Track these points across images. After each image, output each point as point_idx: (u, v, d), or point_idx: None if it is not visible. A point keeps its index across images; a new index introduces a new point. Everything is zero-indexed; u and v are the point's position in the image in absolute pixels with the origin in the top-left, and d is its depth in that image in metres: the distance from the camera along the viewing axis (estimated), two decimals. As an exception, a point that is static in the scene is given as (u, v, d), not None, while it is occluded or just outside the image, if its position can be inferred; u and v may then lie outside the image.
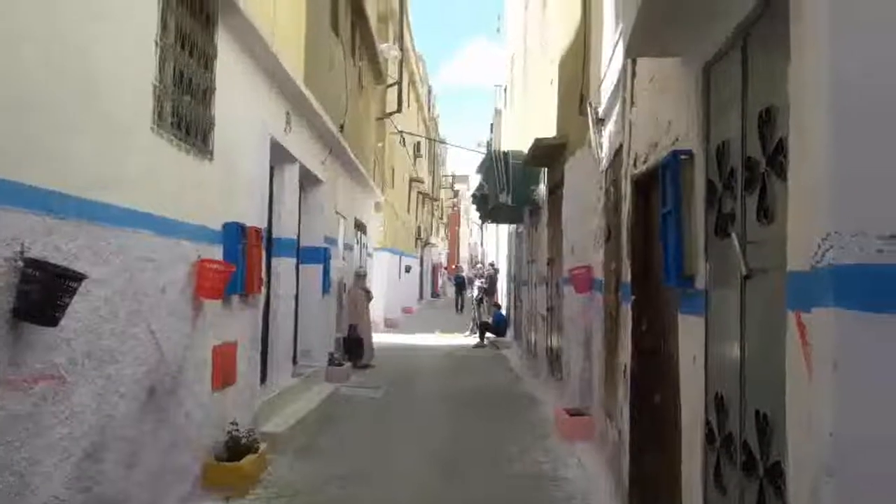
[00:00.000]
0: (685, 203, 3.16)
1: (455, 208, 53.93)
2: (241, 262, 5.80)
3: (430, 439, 7.24)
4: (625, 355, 4.63)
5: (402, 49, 18.74)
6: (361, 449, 6.82)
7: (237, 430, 5.65)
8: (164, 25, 4.46)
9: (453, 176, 47.97)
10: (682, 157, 3.17)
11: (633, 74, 4.52)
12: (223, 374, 5.66)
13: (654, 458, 4.30)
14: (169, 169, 4.57)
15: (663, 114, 3.68)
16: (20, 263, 2.86)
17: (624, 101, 4.82)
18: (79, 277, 2.99)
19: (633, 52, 3.43)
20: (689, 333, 3.22)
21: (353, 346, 11.94)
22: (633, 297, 4.50)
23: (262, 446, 5.89)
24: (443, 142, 37.42)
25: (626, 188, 4.72)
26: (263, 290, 7.49)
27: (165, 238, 4.50)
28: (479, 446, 6.93)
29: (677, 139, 3.37)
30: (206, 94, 5.21)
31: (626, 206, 4.79)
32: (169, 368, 4.63)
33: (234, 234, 5.70)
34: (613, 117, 5.67)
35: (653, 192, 4.15)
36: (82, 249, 3.44)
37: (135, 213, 4.03)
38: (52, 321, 2.94)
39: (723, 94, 2.82)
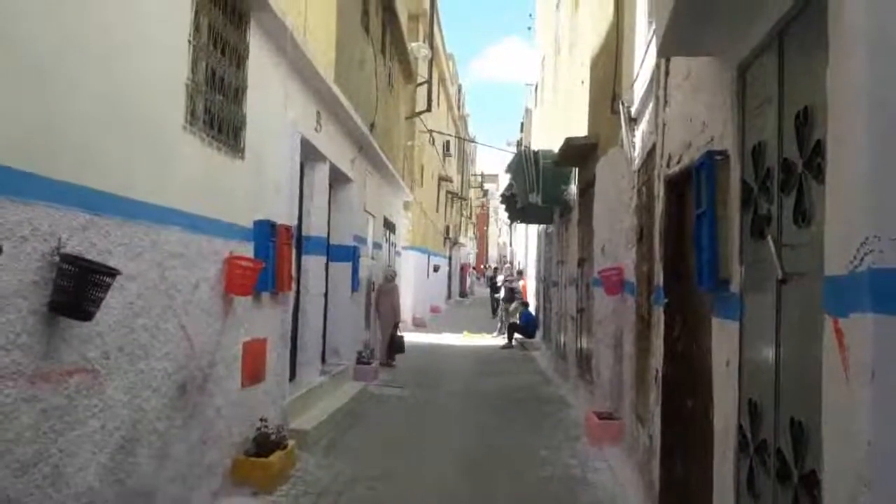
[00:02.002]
0: (720, 204, 3.10)
1: (484, 208, 53.86)
2: (271, 259, 5.85)
3: (457, 439, 7.24)
4: (656, 359, 4.57)
5: (431, 48, 18.75)
6: (389, 448, 6.84)
7: (266, 426, 5.70)
8: (196, 25, 4.51)
9: (482, 175, 47.90)
10: (717, 157, 3.11)
11: (667, 73, 4.46)
12: (253, 370, 5.71)
13: (685, 463, 4.24)
14: (200, 167, 4.62)
15: (697, 114, 3.62)
16: (56, 258, 2.91)
17: (657, 101, 4.75)
18: (112, 273, 3.04)
19: (667, 51, 3.38)
20: (723, 338, 3.16)
21: (398, 345, 12.01)
22: (665, 300, 4.43)
23: (291, 443, 5.93)
24: (472, 140, 37.41)
25: (659, 189, 4.66)
26: (293, 287, 7.58)
27: (197, 235, 4.55)
28: (507, 448, 6.91)
29: (712, 139, 3.31)
30: (237, 93, 5.26)
31: (658, 207, 4.73)
32: (200, 364, 4.68)
33: (265, 232, 5.75)
34: (646, 117, 5.60)
35: (686, 193, 4.08)
36: (116, 245, 3.49)
37: (166, 210, 4.08)
38: (87, 315, 2.99)
39: (759, 94, 2.76)
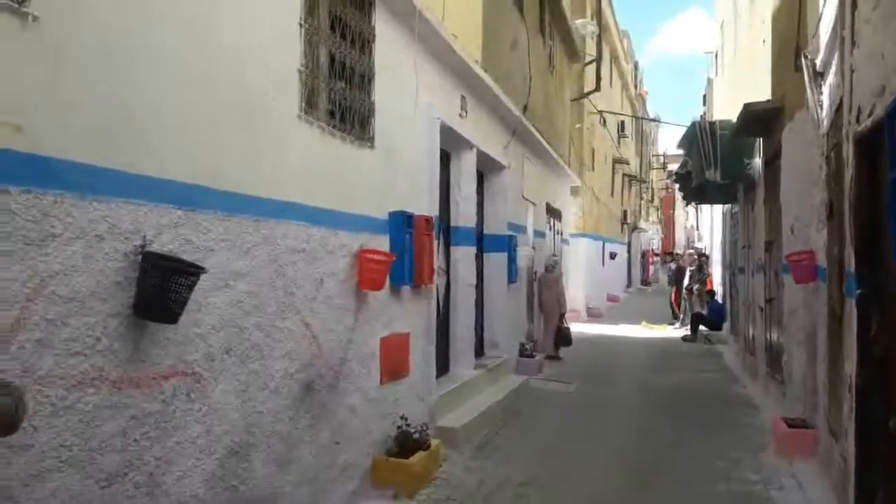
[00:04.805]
0: (922, 163, 2.29)
1: (668, 190, 50.96)
2: (408, 251, 5.60)
3: (623, 445, 6.58)
4: (850, 364, 3.68)
5: (600, 25, 17.79)
6: (545, 450, 6.34)
7: (407, 424, 5.46)
8: (310, 8, 4.31)
9: (665, 155, 45.24)
10: (917, 98, 2.30)
11: (854, 7, 3.54)
12: (393, 366, 5.49)
13: (888, 492, 3.34)
14: (321, 157, 4.43)
15: (891, 47, 2.76)
16: (139, 258, 2.79)
17: (843, 43, 3.82)
18: (194, 271, 2.86)
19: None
20: (932, 342, 2.35)
21: (564, 337, 11.50)
22: (858, 291, 3.53)
23: (435, 443, 5.66)
24: (650, 119, 35.43)
25: (848, 151, 3.74)
26: (443, 279, 7.33)
27: (320, 228, 4.38)
28: (679, 458, 6.13)
29: (911, 77, 2.48)
30: (363, 79, 5.03)
31: (848, 175, 3.80)
32: (329, 362, 4.51)
33: (401, 224, 5.50)
34: (833, 68, 4.61)
35: (882, 154, 3.19)
36: (218, 241, 3.35)
37: (280, 203, 3.92)
38: (172, 317, 2.84)
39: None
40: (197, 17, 3.24)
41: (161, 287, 2.75)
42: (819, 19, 4.88)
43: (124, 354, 2.78)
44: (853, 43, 3.63)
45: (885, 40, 2.89)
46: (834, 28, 4.29)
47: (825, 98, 5.06)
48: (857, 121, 3.49)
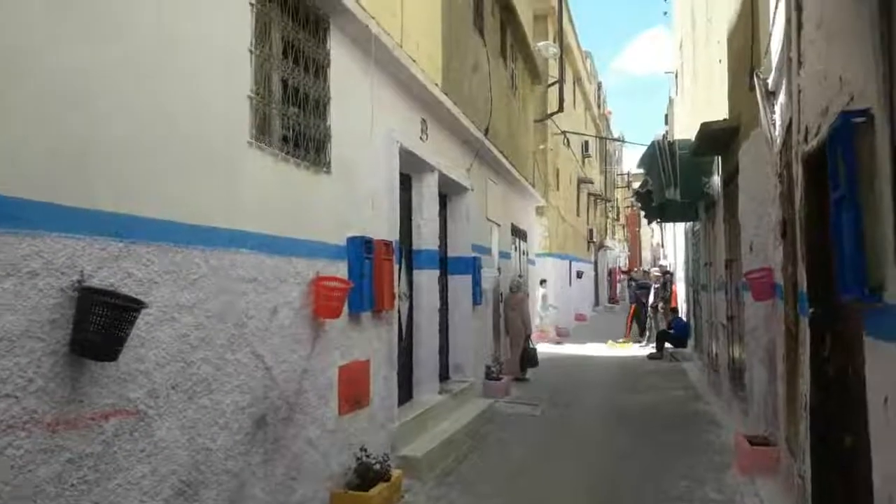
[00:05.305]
0: (864, 184, 2.29)
1: (633, 208, 51.59)
2: (367, 277, 5.52)
3: (590, 467, 6.51)
4: (804, 383, 3.68)
5: (562, 47, 18.00)
6: (511, 476, 6.25)
7: (367, 455, 5.34)
8: (260, 34, 4.25)
9: (629, 174, 45.84)
10: (857, 119, 2.31)
11: (800, 26, 3.59)
12: (352, 395, 5.38)
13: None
14: (274, 184, 4.34)
15: (834, 67, 2.79)
16: (75, 294, 2.67)
17: (790, 63, 3.87)
18: (134, 306, 2.75)
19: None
20: (879, 366, 2.34)
21: (530, 358, 11.47)
22: (811, 311, 3.55)
23: (397, 473, 5.54)
24: (612, 139, 35.90)
25: (798, 171, 3.77)
26: (406, 303, 7.24)
27: (273, 256, 4.28)
28: (645, 479, 6.08)
29: (852, 98, 2.49)
30: (319, 105, 4.97)
31: (798, 194, 3.84)
32: (283, 394, 4.39)
33: (359, 249, 5.42)
34: (783, 87, 4.68)
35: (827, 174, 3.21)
36: (161, 274, 3.24)
37: (229, 232, 3.82)
38: (111, 354, 2.72)
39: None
40: (139, 41, 3.15)
41: (98, 323, 2.64)
42: (770, 39, 4.96)
43: (60, 395, 2.65)
44: (800, 63, 3.67)
45: (828, 61, 2.92)
46: (783, 48, 4.36)
47: (777, 117, 5.13)
48: (805, 140, 3.53)
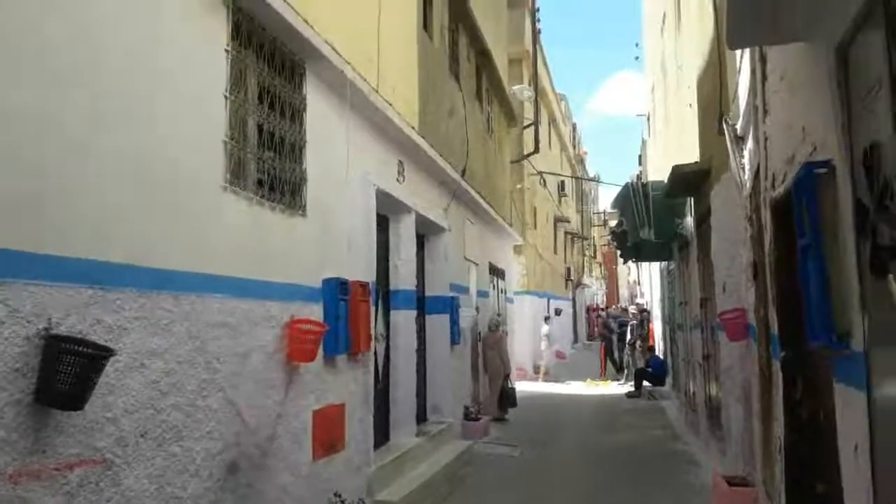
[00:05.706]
0: (828, 233, 2.35)
1: (610, 246, 52.07)
2: (343, 319, 5.48)
3: (564, 509, 6.46)
4: (778, 425, 3.70)
5: (537, 90, 18.31)
6: (486, 520, 6.18)
7: (342, 501, 5.24)
8: (235, 79, 4.28)
9: (605, 212, 46.35)
10: (820, 170, 2.37)
11: (764, 78, 3.70)
12: (327, 439, 5.30)
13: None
14: (248, 228, 4.33)
15: (797, 119, 2.88)
16: (42, 342, 2.62)
17: (756, 111, 3.98)
18: (102, 354, 2.71)
19: (737, 40, 2.69)
20: (848, 412, 2.36)
21: (509, 397, 11.41)
22: (782, 354, 3.58)
23: (372, 519, 5.45)
24: (587, 178, 36.36)
25: (766, 216, 3.85)
26: (382, 344, 7.19)
27: (246, 300, 4.24)
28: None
29: (815, 148, 2.56)
30: (294, 149, 4.99)
31: (767, 238, 3.91)
32: (255, 440, 4.32)
33: (335, 291, 5.39)
34: (751, 133, 4.79)
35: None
36: (132, 320, 3.20)
37: (202, 276, 3.79)
38: (77, 403, 2.67)
39: (865, 81, 2.03)
40: (106, 85, 3.16)
41: (65, 371, 2.59)
42: (737, 87, 5.10)
43: (23, 445, 2.59)
44: (765, 112, 3.78)
45: (791, 111, 3.01)
46: (749, 97, 4.48)
47: (746, 162, 5.24)
48: (773, 187, 3.61)
